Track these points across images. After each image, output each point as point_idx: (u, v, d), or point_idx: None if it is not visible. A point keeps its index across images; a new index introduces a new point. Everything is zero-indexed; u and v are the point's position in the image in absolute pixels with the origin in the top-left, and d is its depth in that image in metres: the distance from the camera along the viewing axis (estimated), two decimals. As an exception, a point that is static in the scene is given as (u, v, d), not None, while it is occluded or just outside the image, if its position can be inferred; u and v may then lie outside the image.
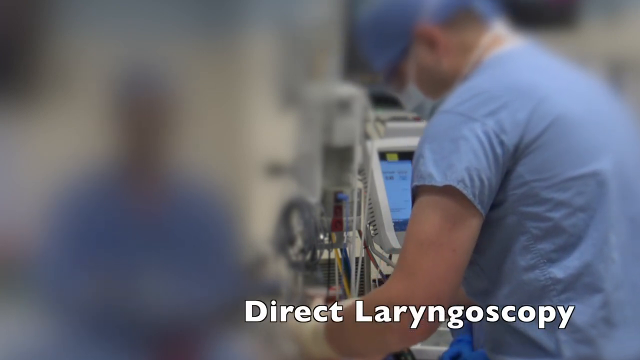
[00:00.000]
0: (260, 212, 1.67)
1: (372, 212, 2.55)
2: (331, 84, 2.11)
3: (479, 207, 1.55)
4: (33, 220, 1.27)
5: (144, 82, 1.37)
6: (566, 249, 1.57)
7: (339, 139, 2.28)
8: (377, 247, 2.60)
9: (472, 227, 1.56)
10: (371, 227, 2.56)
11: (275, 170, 1.67)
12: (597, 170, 1.58)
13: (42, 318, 1.28)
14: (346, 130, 2.28)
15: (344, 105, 2.24)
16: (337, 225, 2.48)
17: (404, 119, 2.77)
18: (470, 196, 1.54)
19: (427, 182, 1.56)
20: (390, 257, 2.61)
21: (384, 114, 2.72)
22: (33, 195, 1.26)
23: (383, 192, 2.54)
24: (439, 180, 1.55)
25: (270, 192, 1.80)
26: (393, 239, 2.48)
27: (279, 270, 2.05)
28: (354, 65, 2.49)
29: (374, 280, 2.87)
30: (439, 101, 1.74)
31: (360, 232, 2.53)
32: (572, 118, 1.59)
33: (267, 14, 1.44)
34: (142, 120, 1.39)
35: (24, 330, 1.27)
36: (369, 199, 2.56)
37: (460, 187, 1.54)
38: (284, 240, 2.15)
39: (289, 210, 2.18)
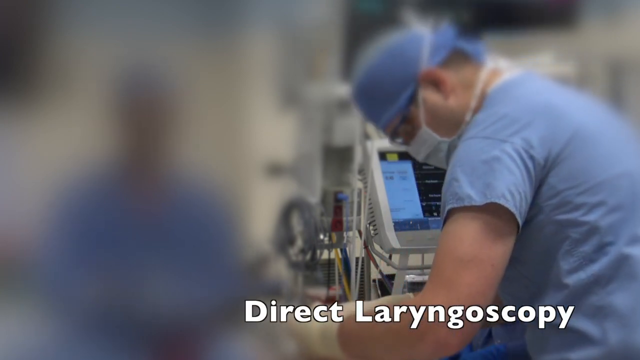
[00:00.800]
0: (260, 212, 1.67)
1: (372, 212, 2.55)
2: (331, 84, 2.11)
3: (520, 219, 1.60)
4: (33, 220, 1.27)
5: (144, 82, 1.37)
6: (605, 247, 1.63)
7: (339, 139, 2.28)
8: (377, 247, 2.60)
9: (509, 242, 1.61)
10: (371, 227, 2.56)
11: (275, 170, 1.67)
12: (626, 171, 1.67)
13: (42, 318, 1.28)
14: (346, 130, 2.28)
15: (344, 105, 2.24)
16: (337, 225, 2.48)
17: (404, 119, 2.76)
18: (513, 209, 1.59)
19: (466, 204, 1.59)
20: (390, 257, 2.61)
21: (384, 114, 2.71)
22: (33, 195, 1.26)
23: (383, 192, 2.54)
24: (478, 200, 1.59)
25: (270, 192, 1.80)
26: (393, 239, 2.47)
27: (279, 270, 2.05)
28: (354, 65, 2.49)
29: (374, 280, 2.87)
30: (454, 139, 1.79)
31: (360, 232, 2.53)
32: (590, 130, 1.67)
33: (267, 14, 1.44)
34: (142, 120, 1.40)
35: (24, 330, 1.27)
36: (369, 199, 2.56)
37: (502, 202, 1.58)
38: (284, 240, 2.15)
39: (289, 210, 2.18)
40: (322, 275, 2.54)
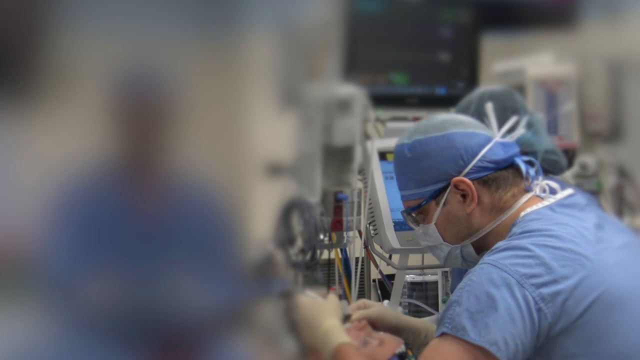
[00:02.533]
0: (260, 212, 1.67)
1: (372, 212, 2.55)
2: (331, 84, 2.11)
3: None
4: (34, 220, 1.27)
5: (144, 82, 1.37)
6: None
7: (339, 139, 2.28)
8: (377, 247, 2.60)
9: None
10: (371, 227, 2.56)
11: (275, 170, 1.67)
12: None
13: (44, 318, 1.28)
14: (346, 130, 2.28)
15: (344, 105, 2.24)
16: (337, 225, 2.48)
17: (404, 119, 2.77)
18: (504, 359, 1.55)
19: (459, 335, 1.57)
20: (390, 257, 2.61)
21: (384, 114, 2.71)
22: (34, 194, 1.26)
23: (383, 192, 2.54)
24: (472, 336, 1.56)
25: (270, 192, 1.80)
26: (393, 239, 2.47)
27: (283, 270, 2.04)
28: (354, 65, 2.49)
29: (374, 280, 2.88)
30: (454, 247, 1.77)
31: (360, 233, 2.53)
32: (620, 291, 1.60)
33: (266, 14, 1.44)
34: (142, 120, 1.39)
35: (27, 330, 1.27)
36: (369, 199, 2.56)
37: (493, 349, 1.55)
38: (284, 240, 2.15)
39: (289, 210, 2.18)
40: (322, 275, 2.54)
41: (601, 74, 2.85)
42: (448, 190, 1.75)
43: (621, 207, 2.90)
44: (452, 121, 1.80)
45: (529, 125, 2.17)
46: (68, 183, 1.32)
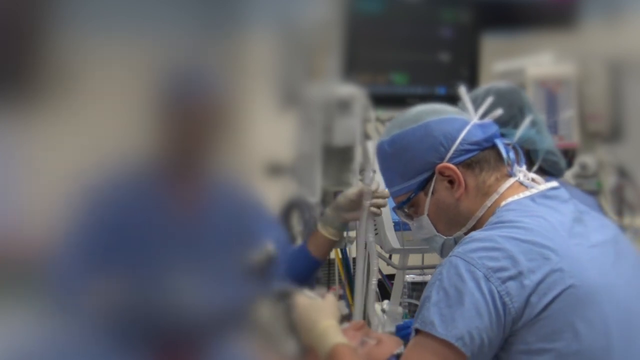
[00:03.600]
0: (260, 212, 1.67)
1: (372, 212, 2.55)
2: (331, 84, 2.11)
3: None
4: (57, 219, 1.25)
5: (192, 85, 1.36)
6: None
7: (339, 139, 2.28)
8: (377, 247, 2.59)
9: None
10: (371, 227, 2.56)
11: (275, 170, 1.67)
12: (609, 345, 1.59)
13: (65, 320, 1.27)
14: (346, 130, 2.28)
15: (344, 105, 2.24)
16: (337, 225, 2.47)
17: (404, 119, 2.77)
18: (468, 354, 1.56)
19: (427, 329, 1.59)
20: (390, 257, 2.61)
21: (384, 114, 2.71)
22: (59, 194, 1.25)
23: (383, 192, 2.54)
24: (439, 331, 1.57)
25: (270, 192, 1.80)
26: (393, 239, 2.47)
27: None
28: (354, 65, 2.49)
29: (374, 280, 2.87)
30: (448, 238, 1.77)
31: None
32: (586, 289, 1.59)
33: (266, 14, 1.44)
34: (186, 123, 1.38)
35: (46, 331, 1.26)
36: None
37: (459, 344, 1.56)
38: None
39: (289, 210, 2.18)
40: (322, 275, 2.54)
41: (601, 74, 2.85)
42: (434, 179, 1.75)
43: (621, 207, 2.91)
44: (426, 111, 1.80)
45: (533, 124, 2.17)
46: (96, 182, 1.31)
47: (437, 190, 1.76)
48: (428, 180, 1.76)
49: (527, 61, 2.85)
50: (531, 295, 1.57)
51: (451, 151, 1.74)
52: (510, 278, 1.58)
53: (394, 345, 1.88)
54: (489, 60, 2.79)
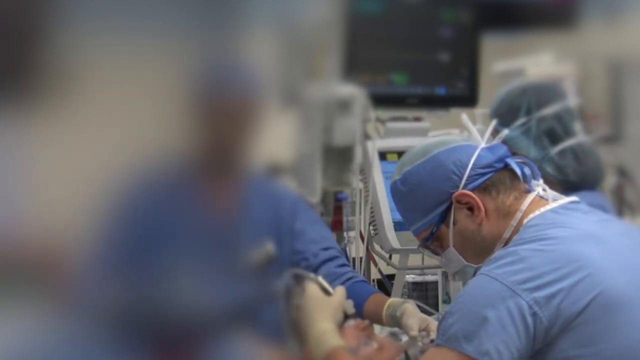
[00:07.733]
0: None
1: (372, 212, 2.55)
2: (331, 84, 2.11)
3: None
4: (62, 219, 1.25)
5: (231, 83, 1.36)
6: None
7: (339, 139, 2.28)
8: (377, 247, 2.60)
9: None
10: (371, 227, 2.56)
11: (275, 170, 1.67)
12: None
13: (88, 323, 1.26)
14: (346, 130, 2.28)
15: (344, 105, 2.25)
16: (337, 225, 2.48)
17: (404, 119, 2.77)
18: None
19: (452, 346, 1.58)
20: (390, 257, 2.62)
21: (384, 114, 2.72)
22: (92, 194, 1.24)
23: (383, 192, 2.54)
24: (465, 347, 1.57)
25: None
26: (393, 239, 2.48)
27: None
28: (354, 65, 2.49)
29: (374, 280, 2.87)
30: (479, 266, 1.74)
31: (362, 236, 2.53)
32: (618, 291, 1.60)
33: (266, 14, 1.44)
34: (224, 120, 1.37)
35: (68, 334, 1.25)
36: (369, 199, 2.56)
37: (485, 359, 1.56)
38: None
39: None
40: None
41: (601, 74, 2.85)
42: (453, 209, 1.75)
43: (621, 207, 2.91)
44: (433, 143, 1.81)
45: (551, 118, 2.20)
46: (129, 181, 1.29)
47: (458, 219, 1.75)
48: (447, 212, 1.76)
49: (527, 61, 2.85)
50: (562, 302, 1.57)
51: (464, 178, 1.74)
52: (538, 288, 1.57)
53: (395, 352, 1.87)
54: (489, 60, 2.79)
